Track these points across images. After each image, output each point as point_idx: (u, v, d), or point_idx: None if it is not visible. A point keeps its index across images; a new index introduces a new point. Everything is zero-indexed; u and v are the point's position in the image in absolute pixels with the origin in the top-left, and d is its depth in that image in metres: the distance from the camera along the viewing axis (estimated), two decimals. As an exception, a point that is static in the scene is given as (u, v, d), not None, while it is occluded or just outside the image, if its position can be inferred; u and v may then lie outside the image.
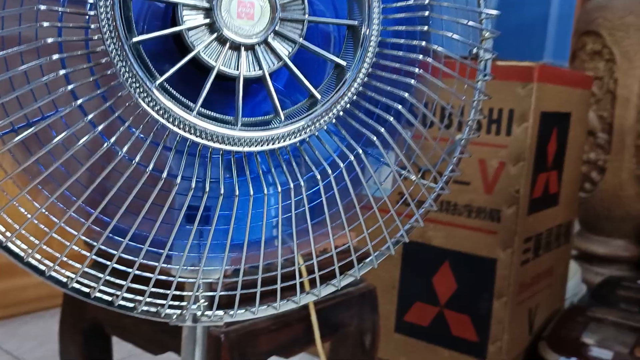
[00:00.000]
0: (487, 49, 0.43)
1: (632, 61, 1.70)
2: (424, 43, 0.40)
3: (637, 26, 1.69)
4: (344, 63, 0.38)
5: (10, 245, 0.35)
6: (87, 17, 0.33)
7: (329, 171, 0.39)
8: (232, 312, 0.41)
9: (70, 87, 0.32)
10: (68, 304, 0.90)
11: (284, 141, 0.37)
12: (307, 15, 0.36)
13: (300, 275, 0.43)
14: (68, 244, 0.35)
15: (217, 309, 0.41)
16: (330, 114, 0.38)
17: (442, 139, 0.43)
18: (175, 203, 0.37)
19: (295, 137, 0.37)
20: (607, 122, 1.76)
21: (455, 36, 0.41)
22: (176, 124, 0.34)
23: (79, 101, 0.32)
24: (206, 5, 0.34)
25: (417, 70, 0.40)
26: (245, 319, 0.42)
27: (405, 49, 0.40)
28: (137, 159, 0.34)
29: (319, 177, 0.38)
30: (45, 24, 0.32)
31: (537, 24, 1.33)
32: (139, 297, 0.39)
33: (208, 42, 0.34)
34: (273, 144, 0.36)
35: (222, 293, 0.40)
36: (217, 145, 0.35)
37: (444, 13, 0.43)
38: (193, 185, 0.35)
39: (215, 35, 0.34)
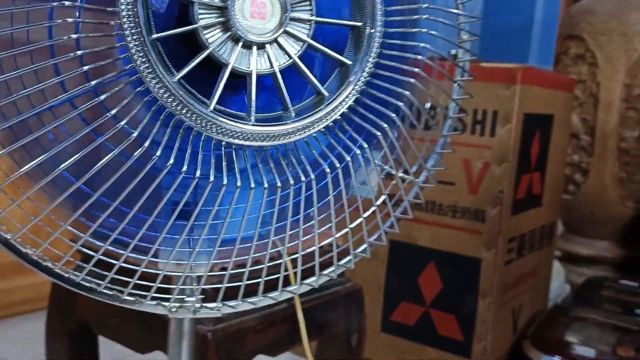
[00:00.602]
0: (466, 49, 0.44)
1: (615, 65, 1.73)
2: (422, 45, 0.42)
3: (619, 31, 1.72)
4: (349, 62, 0.40)
5: (15, 243, 0.35)
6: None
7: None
8: (232, 303, 0.42)
9: (93, 82, 0.32)
10: (54, 305, 0.90)
11: (294, 136, 0.38)
12: (314, 16, 0.38)
13: (290, 268, 0.43)
14: (70, 242, 0.36)
15: (209, 302, 0.41)
16: (337, 111, 0.39)
17: (421, 139, 0.44)
18: (169, 200, 0.38)
19: (305, 133, 0.38)
20: (590, 125, 1.79)
21: (444, 37, 0.43)
22: (193, 119, 0.34)
23: (103, 97, 0.32)
24: (221, 4, 0.35)
25: (417, 70, 0.41)
26: (243, 309, 0.43)
27: (399, 49, 0.41)
28: (172, 160, 0.34)
29: (327, 170, 0.39)
30: (70, 20, 0.33)
31: (522, 29, 1.35)
32: (142, 292, 0.40)
33: (223, 40, 0.35)
34: (284, 139, 0.37)
35: (229, 285, 0.41)
36: (231, 140, 0.36)
37: (426, 16, 0.44)
38: (215, 179, 0.36)
39: (229, 33, 0.35)
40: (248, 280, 0.43)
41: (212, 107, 0.35)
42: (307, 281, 0.45)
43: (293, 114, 0.38)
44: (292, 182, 0.38)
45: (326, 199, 0.42)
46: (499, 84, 1.02)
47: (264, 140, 0.37)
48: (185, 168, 0.35)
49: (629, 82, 1.73)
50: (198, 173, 0.36)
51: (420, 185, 0.45)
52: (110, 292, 0.40)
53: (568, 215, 1.90)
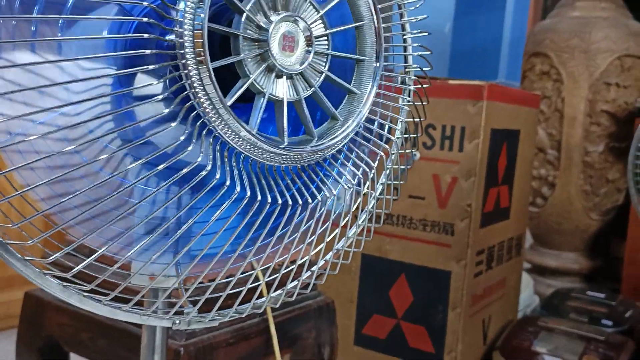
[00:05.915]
0: (410, 69, 0.49)
1: (577, 81, 1.78)
2: (416, 66, 0.47)
3: (581, 48, 1.78)
4: (358, 92, 0.44)
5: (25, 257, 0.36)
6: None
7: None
8: (225, 312, 0.43)
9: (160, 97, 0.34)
10: (24, 322, 0.89)
11: (314, 158, 0.42)
12: (330, 50, 0.42)
13: (261, 286, 0.45)
14: (82, 257, 0.36)
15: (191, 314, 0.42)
16: (350, 135, 0.43)
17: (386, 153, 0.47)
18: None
19: (322, 155, 0.42)
20: (556, 140, 1.83)
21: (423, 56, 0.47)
22: (239, 143, 0.37)
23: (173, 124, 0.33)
24: (261, 38, 0.38)
25: (412, 88, 0.47)
26: (231, 318, 0.44)
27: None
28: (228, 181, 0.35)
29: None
30: (146, 36, 0.35)
31: (491, 47, 1.40)
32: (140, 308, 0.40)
33: (261, 70, 0.38)
34: (307, 160, 0.41)
35: (210, 296, 0.42)
36: (268, 162, 0.39)
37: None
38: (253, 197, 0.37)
39: (265, 64, 0.38)
40: (219, 293, 0.44)
41: (255, 131, 0.38)
42: (275, 293, 0.46)
43: (316, 138, 0.42)
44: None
45: (304, 223, 0.43)
46: (466, 101, 1.05)
47: (291, 163, 0.41)
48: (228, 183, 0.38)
49: (592, 97, 1.78)
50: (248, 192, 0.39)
51: (377, 197, 0.48)
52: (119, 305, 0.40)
53: (537, 227, 1.94)
